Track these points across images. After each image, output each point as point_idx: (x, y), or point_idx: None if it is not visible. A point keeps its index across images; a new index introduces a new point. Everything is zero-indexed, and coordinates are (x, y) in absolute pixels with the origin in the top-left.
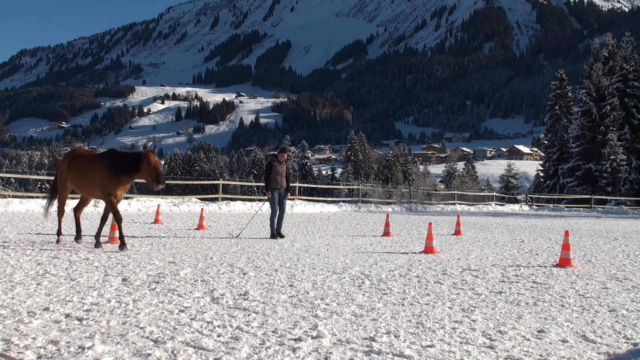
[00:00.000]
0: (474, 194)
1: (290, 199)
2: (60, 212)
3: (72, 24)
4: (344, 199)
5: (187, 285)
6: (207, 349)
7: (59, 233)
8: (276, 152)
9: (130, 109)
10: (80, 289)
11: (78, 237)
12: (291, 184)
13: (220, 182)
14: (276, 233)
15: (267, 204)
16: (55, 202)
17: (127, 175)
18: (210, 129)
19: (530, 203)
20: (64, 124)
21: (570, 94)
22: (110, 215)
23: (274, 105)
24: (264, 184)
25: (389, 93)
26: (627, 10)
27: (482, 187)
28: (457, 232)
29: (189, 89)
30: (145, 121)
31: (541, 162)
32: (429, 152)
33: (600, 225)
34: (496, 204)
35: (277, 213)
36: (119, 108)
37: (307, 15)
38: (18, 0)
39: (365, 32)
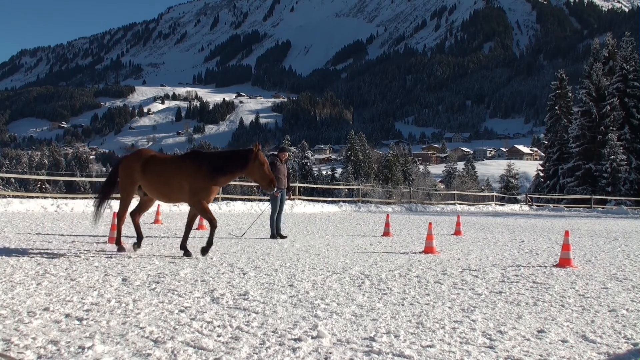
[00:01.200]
0: (474, 194)
1: (291, 199)
2: (123, 218)
3: (72, 24)
4: (344, 199)
5: (187, 285)
6: (207, 349)
7: (118, 242)
8: (276, 152)
9: (130, 109)
10: (80, 289)
11: (138, 243)
12: (291, 184)
13: None
14: (276, 233)
15: (267, 204)
16: (106, 205)
17: (226, 175)
18: (210, 129)
19: (530, 203)
20: (64, 124)
21: (570, 94)
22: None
23: (274, 105)
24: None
25: (389, 93)
26: (627, 10)
27: (482, 187)
28: (457, 232)
29: (189, 89)
30: (145, 121)
31: (541, 162)
32: (429, 152)
33: (600, 225)
34: (496, 204)
35: (277, 213)
36: (119, 108)
37: (307, 15)
38: (18, 0)
39: (365, 32)
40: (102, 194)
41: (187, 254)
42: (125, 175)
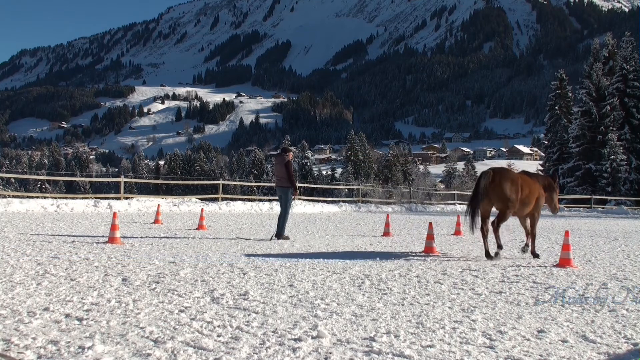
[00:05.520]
0: None
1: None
2: (497, 230)
3: (72, 24)
4: (344, 199)
5: (187, 285)
6: (207, 349)
7: (500, 247)
8: (281, 152)
9: (130, 109)
10: (80, 289)
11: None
12: None
13: (220, 182)
14: (278, 235)
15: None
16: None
17: (547, 193)
18: (210, 129)
19: None
20: (64, 124)
21: (570, 94)
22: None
23: (274, 105)
24: (292, 183)
25: (389, 93)
26: (627, 10)
27: None
28: (457, 232)
29: (189, 89)
30: (145, 121)
31: (541, 162)
32: (429, 152)
33: (600, 225)
34: None
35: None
36: (119, 108)
37: (307, 15)
38: (18, 0)
39: (365, 32)
40: (473, 207)
41: (536, 255)
42: (517, 194)
